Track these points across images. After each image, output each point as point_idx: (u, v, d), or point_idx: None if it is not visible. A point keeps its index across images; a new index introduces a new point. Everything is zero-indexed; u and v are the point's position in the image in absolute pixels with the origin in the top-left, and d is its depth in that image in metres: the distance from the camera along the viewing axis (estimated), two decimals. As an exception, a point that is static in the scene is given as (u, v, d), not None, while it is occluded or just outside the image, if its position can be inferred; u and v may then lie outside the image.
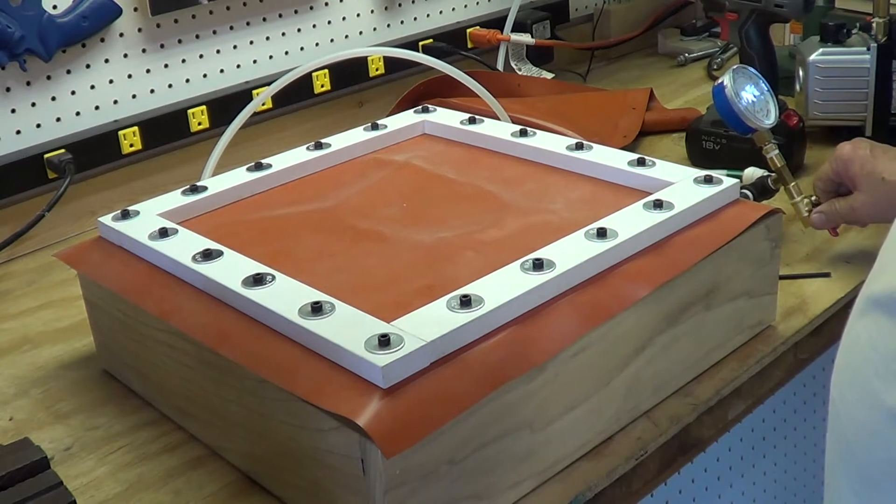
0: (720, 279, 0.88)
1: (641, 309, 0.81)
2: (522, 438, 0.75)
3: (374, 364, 0.67)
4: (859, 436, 0.49)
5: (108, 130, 1.28)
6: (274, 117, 1.42)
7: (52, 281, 1.16)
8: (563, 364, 0.76)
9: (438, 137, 1.13)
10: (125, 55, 1.30)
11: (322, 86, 1.46)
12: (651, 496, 0.93)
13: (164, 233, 0.89)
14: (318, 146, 1.08)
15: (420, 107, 1.18)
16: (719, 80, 1.06)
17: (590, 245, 0.81)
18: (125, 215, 0.94)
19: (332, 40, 1.51)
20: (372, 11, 1.54)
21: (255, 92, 1.38)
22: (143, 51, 1.32)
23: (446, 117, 1.14)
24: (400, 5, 1.57)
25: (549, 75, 1.66)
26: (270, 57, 1.44)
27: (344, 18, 1.51)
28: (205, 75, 1.38)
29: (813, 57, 1.31)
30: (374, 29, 1.55)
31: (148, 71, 1.33)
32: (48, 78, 1.25)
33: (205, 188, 1.00)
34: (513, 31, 1.63)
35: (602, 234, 0.82)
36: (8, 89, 1.22)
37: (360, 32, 1.54)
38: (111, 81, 1.30)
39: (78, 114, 1.28)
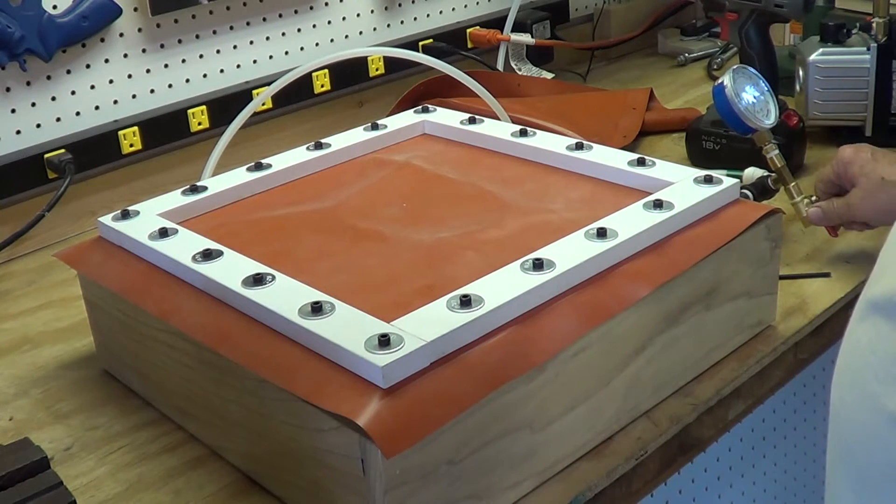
0: (720, 279, 0.88)
1: (641, 309, 0.81)
2: (522, 438, 0.75)
3: (374, 364, 0.67)
4: (859, 439, 0.49)
5: (108, 130, 1.28)
6: (274, 117, 1.42)
7: (52, 281, 1.16)
8: (563, 364, 0.76)
9: (438, 137, 1.13)
10: (125, 55, 1.30)
11: (322, 86, 1.46)
12: (651, 496, 0.93)
13: (164, 233, 0.89)
14: (318, 146, 1.08)
15: (420, 107, 1.18)
16: (719, 80, 1.06)
17: (590, 245, 0.81)
18: (125, 215, 0.94)
19: (332, 40, 1.51)
20: (372, 11, 1.54)
21: (255, 92, 1.38)
22: (143, 51, 1.32)
23: (446, 117, 1.14)
24: (400, 5, 1.57)
25: (549, 75, 1.66)
26: (270, 57, 1.44)
27: (344, 18, 1.51)
28: (205, 75, 1.38)
29: (813, 57, 1.31)
30: (374, 29, 1.55)
31: (148, 71, 1.33)
32: (48, 78, 1.25)
33: (205, 188, 1.00)
34: (513, 31, 1.63)
35: (602, 234, 0.82)
36: (8, 89, 1.22)
37: (360, 32, 1.54)
38: (111, 81, 1.30)
39: (78, 114, 1.28)
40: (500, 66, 1.63)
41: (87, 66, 1.28)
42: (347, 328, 0.71)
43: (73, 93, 1.27)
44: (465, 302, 0.73)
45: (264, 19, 1.42)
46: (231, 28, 1.39)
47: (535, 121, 1.28)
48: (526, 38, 1.64)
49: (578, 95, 1.56)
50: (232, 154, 1.18)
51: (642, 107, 1.48)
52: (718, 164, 1.20)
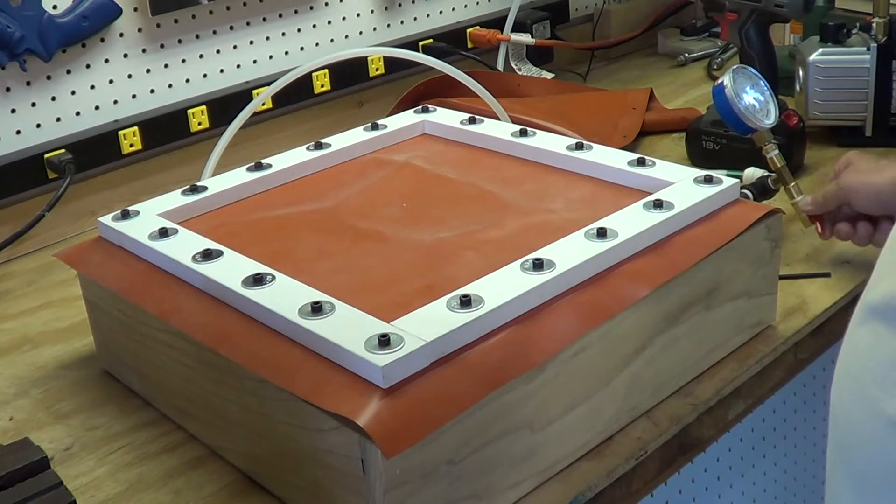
0: (720, 279, 0.88)
1: (641, 309, 0.81)
2: (522, 438, 0.75)
3: (374, 364, 0.67)
4: (859, 443, 0.49)
5: (108, 130, 1.28)
6: (274, 117, 1.42)
7: (52, 281, 1.16)
8: (563, 364, 0.76)
9: (438, 137, 1.13)
10: (125, 55, 1.30)
11: (322, 86, 1.46)
12: (651, 496, 0.93)
13: (164, 233, 0.89)
14: (318, 146, 1.08)
15: (420, 107, 1.18)
16: (719, 80, 1.06)
17: (590, 245, 0.81)
18: (125, 215, 0.94)
19: (332, 40, 1.51)
20: (372, 11, 1.54)
21: (255, 92, 1.38)
22: (143, 51, 1.32)
23: (446, 117, 1.14)
24: (400, 5, 1.57)
25: (549, 75, 1.66)
26: (270, 57, 1.44)
27: (344, 18, 1.51)
28: (205, 75, 1.38)
29: (813, 57, 1.31)
30: (374, 29, 1.55)
31: (148, 71, 1.33)
32: (48, 78, 1.25)
33: (205, 188, 1.00)
34: (513, 31, 1.63)
35: (602, 234, 0.82)
36: (8, 89, 1.22)
37: (360, 32, 1.54)
38: (111, 81, 1.30)
39: (78, 114, 1.28)
40: (500, 66, 1.63)
41: (87, 66, 1.28)
42: (347, 328, 0.71)
43: (73, 93, 1.27)
44: (465, 302, 0.73)
45: (264, 19, 1.42)
46: (231, 28, 1.39)
47: (535, 121, 1.28)
48: (526, 38, 1.64)
49: (578, 95, 1.56)
50: (232, 154, 1.18)
51: (642, 107, 1.48)
52: (718, 164, 1.20)
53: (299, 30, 1.46)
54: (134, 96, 1.32)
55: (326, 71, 1.44)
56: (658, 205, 0.86)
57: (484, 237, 0.88)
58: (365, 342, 0.69)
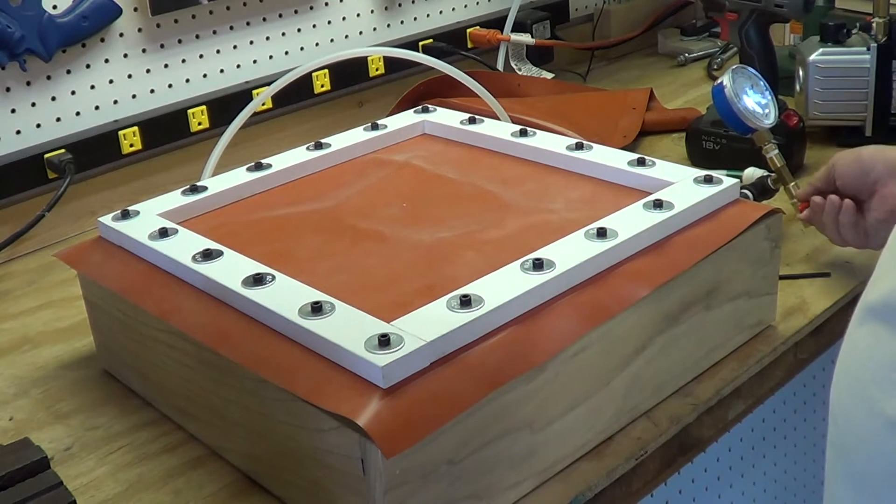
0: (720, 279, 0.88)
1: (641, 309, 0.81)
2: (522, 438, 0.75)
3: (374, 364, 0.67)
4: (858, 444, 0.49)
5: (108, 130, 1.28)
6: (274, 117, 1.42)
7: (52, 281, 1.16)
8: (563, 364, 0.76)
9: (438, 137, 1.13)
10: (125, 55, 1.30)
11: (322, 86, 1.46)
12: (651, 496, 0.93)
13: (164, 233, 0.89)
14: (318, 146, 1.08)
15: (420, 107, 1.18)
16: (719, 80, 1.06)
17: (590, 245, 0.81)
18: (125, 215, 0.94)
19: (332, 40, 1.51)
20: (372, 11, 1.54)
21: (255, 92, 1.38)
22: (143, 51, 1.32)
23: (446, 117, 1.14)
24: (400, 5, 1.57)
25: (549, 75, 1.66)
26: (270, 57, 1.44)
27: (344, 18, 1.51)
28: (205, 75, 1.38)
29: (813, 57, 1.31)
30: (374, 29, 1.55)
31: (148, 71, 1.33)
32: (48, 78, 1.25)
33: (205, 188, 1.00)
34: (513, 31, 1.63)
35: (602, 234, 0.82)
36: (8, 89, 1.22)
37: (360, 32, 1.54)
38: (111, 81, 1.30)
39: (78, 114, 1.28)
40: (500, 66, 1.63)
41: (87, 66, 1.28)
42: (347, 328, 0.71)
43: (73, 93, 1.27)
44: (465, 302, 0.73)
45: (264, 19, 1.42)
46: (231, 28, 1.39)
47: (535, 121, 1.28)
48: (526, 38, 1.64)
49: (578, 95, 1.56)
50: (232, 154, 1.18)
51: (642, 107, 1.48)
52: (718, 164, 1.20)
53: (299, 30, 1.46)
54: (134, 96, 1.32)
55: (326, 71, 1.44)
56: (658, 205, 0.86)
57: (484, 237, 0.88)
58: (365, 342, 0.69)
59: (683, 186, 0.90)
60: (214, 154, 1.15)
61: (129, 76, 1.31)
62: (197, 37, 1.36)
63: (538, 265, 0.78)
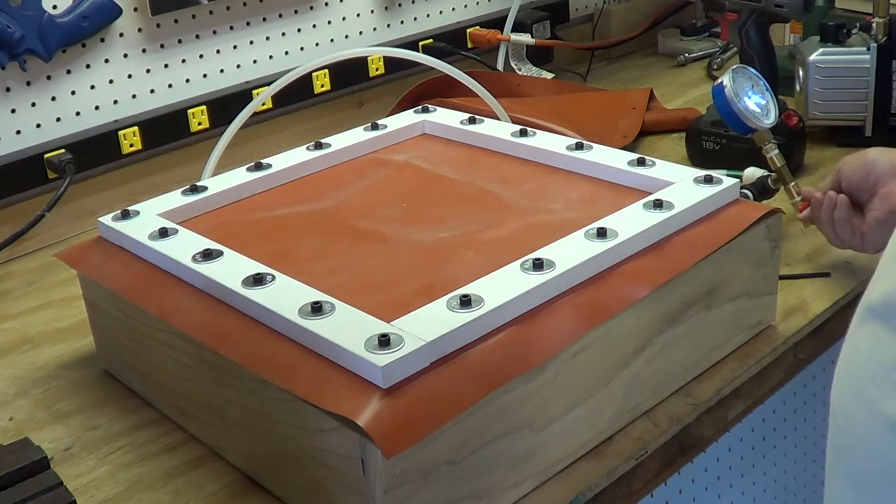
0: (720, 279, 0.88)
1: (641, 309, 0.81)
2: (522, 438, 0.75)
3: (374, 364, 0.67)
4: (858, 444, 0.49)
5: (108, 130, 1.28)
6: (274, 117, 1.42)
7: (52, 281, 1.16)
8: (563, 364, 0.76)
9: (438, 137, 1.13)
10: (125, 55, 1.30)
11: (322, 86, 1.46)
12: (651, 496, 0.93)
13: (164, 233, 0.89)
14: (318, 146, 1.08)
15: (420, 107, 1.18)
16: (719, 80, 1.06)
17: (590, 245, 0.81)
18: (125, 215, 0.94)
19: (332, 40, 1.51)
20: (372, 11, 1.54)
21: (255, 92, 1.38)
22: (143, 51, 1.32)
23: (446, 117, 1.14)
24: (400, 5, 1.57)
25: (549, 75, 1.66)
26: (270, 57, 1.44)
27: (344, 18, 1.51)
28: (205, 75, 1.38)
29: (813, 57, 1.31)
30: (374, 29, 1.55)
31: (148, 71, 1.33)
32: (48, 78, 1.25)
33: (205, 188, 1.00)
34: (513, 31, 1.63)
35: (602, 234, 0.82)
36: (8, 89, 1.22)
37: (360, 32, 1.54)
38: (111, 81, 1.30)
39: (78, 114, 1.28)
40: (500, 66, 1.63)
41: (87, 66, 1.28)
42: (347, 328, 0.71)
43: (73, 93, 1.27)
44: (465, 302, 0.73)
45: (264, 19, 1.42)
46: (231, 28, 1.39)
47: (535, 121, 1.28)
48: (526, 38, 1.64)
49: (578, 95, 1.56)
50: (232, 154, 1.18)
51: (642, 107, 1.48)
52: (718, 164, 1.20)
53: (299, 30, 1.46)
54: (134, 96, 1.32)
55: (326, 71, 1.44)
56: (658, 205, 0.86)
57: (484, 237, 0.88)
58: (365, 342, 0.69)
59: (683, 186, 0.90)
60: (214, 154, 1.15)
61: (129, 76, 1.31)
62: (197, 37, 1.36)
63: (538, 265, 0.78)
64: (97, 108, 1.29)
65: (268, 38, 1.43)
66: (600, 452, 0.81)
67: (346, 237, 0.91)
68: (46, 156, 1.23)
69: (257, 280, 0.79)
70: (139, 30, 1.31)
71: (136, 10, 1.30)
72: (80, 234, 1.26)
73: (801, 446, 1.40)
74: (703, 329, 0.88)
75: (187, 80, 1.37)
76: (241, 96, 1.37)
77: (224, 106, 1.35)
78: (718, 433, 0.92)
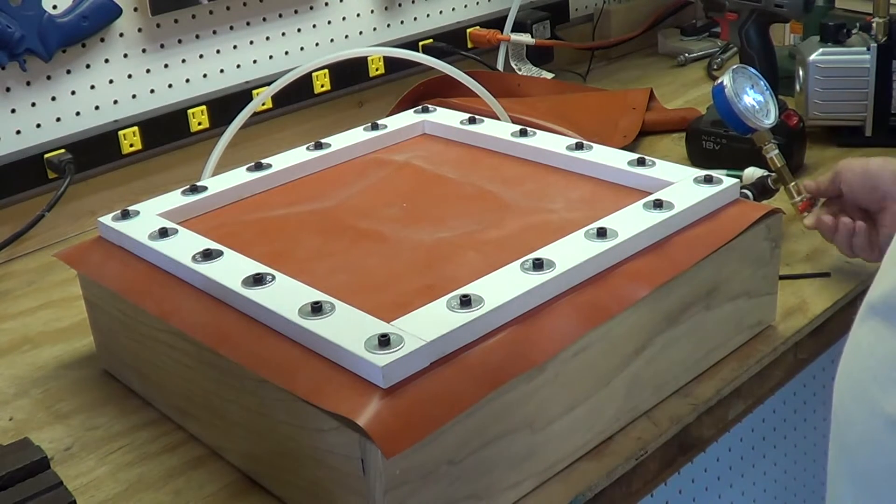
0: (720, 279, 0.88)
1: (641, 309, 0.81)
2: (522, 438, 0.75)
3: (374, 364, 0.67)
4: (858, 442, 0.49)
5: (108, 130, 1.28)
6: (274, 117, 1.42)
7: (52, 281, 1.16)
8: (563, 364, 0.76)
9: (438, 137, 1.13)
10: (125, 55, 1.30)
11: (322, 86, 1.46)
12: (651, 496, 0.93)
13: (164, 233, 0.89)
14: (318, 146, 1.08)
15: (420, 107, 1.18)
16: (719, 80, 1.06)
17: (590, 245, 0.81)
18: (125, 215, 0.94)
19: (332, 40, 1.51)
20: (372, 11, 1.54)
21: (255, 92, 1.38)
22: (143, 51, 1.32)
23: (446, 117, 1.14)
24: (400, 5, 1.57)
25: (549, 75, 1.66)
26: (270, 57, 1.44)
27: (344, 18, 1.51)
28: (205, 75, 1.38)
29: (813, 57, 1.31)
30: (374, 29, 1.55)
31: (148, 71, 1.33)
32: (48, 78, 1.25)
33: (205, 188, 1.00)
34: (513, 31, 1.63)
35: (602, 233, 0.82)
36: (8, 89, 1.22)
37: (360, 32, 1.54)
38: (111, 81, 1.30)
39: (78, 114, 1.28)
40: (500, 66, 1.63)
41: (87, 66, 1.28)
42: (347, 328, 0.71)
43: (73, 93, 1.27)
44: (465, 302, 0.73)
45: (264, 19, 1.42)
46: (231, 28, 1.39)
47: (535, 121, 1.28)
48: (526, 38, 1.64)
49: (578, 95, 1.56)
50: (232, 154, 1.18)
51: (642, 107, 1.48)
52: (718, 164, 1.20)
53: (299, 30, 1.46)
54: (134, 96, 1.32)
55: (326, 71, 1.44)
56: (658, 205, 0.86)
57: (484, 237, 0.88)
58: (365, 342, 0.69)
59: (683, 186, 0.90)
60: (214, 154, 1.15)
61: (129, 76, 1.31)
62: (197, 37, 1.36)
63: (538, 265, 0.78)
64: (97, 108, 1.29)
65: (268, 38, 1.43)
66: (600, 452, 0.81)
67: (346, 237, 0.91)
68: (46, 156, 1.23)
69: (257, 280, 0.79)
70: (139, 30, 1.31)
71: (136, 10, 1.30)
72: (80, 234, 1.26)
73: (801, 446, 1.40)
74: (703, 329, 0.88)
75: (187, 80, 1.37)
76: (241, 96, 1.37)
77: (224, 106, 1.35)
78: (718, 433, 0.92)
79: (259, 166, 1.04)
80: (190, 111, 1.34)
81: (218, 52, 1.39)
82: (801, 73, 1.33)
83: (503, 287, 0.75)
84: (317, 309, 0.73)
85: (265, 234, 0.93)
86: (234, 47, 1.40)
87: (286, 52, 1.46)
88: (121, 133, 1.28)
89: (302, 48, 1.47)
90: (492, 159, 1.06)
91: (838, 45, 1.31)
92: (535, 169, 1.02)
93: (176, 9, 1.32)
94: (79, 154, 1.24)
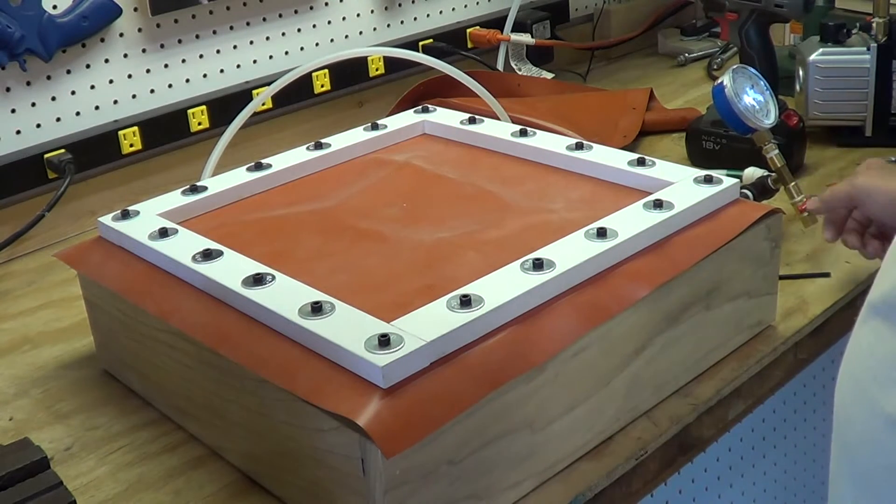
0: (720, 279, 0.88)
1: (641, 309, 0.81)
2: (522, 438, 0.75)
3: (374, 364, 0.67)
4: (859, 441, 0.49)
5: (108, 130, 1.28)
6: (274, 117, 1.42)
7: (52, 281, 1.16)
8: (563, 364, 0.76)
9: (438, 137, 1.13)
10: (125, 55, 1.30)
11: (322, 86, 1.46)
12: (651, 496, 0.93)
13: (164, 233, 0.89)
14: (318, 146, 1.08)
15: (420, 107, 1.18)
16: (719, 80, 1.06)
17: (590, 245, 0.81)
18: (125, 215, 0.94)
19: (332, 40, 1.51)
20: (372, 11, 1.54)
21: (255, 92, 1.38)
22: (143, 51, 1.32)
23: (446, 117, 1.14)
24: (400, 5, 1.57)
25: (549, 75, 1.66)
26: (270, 57, 1.44)
27: (344, 18, 1.51)
28: (205, 75, 1.38)
29: (813, 57, 1.31)
30: (374, 29, 1.55)
31: (148, 71, 1.33)
32: (48, 78, 1.25)
33: (205, 188, 1.00)
34: (513, 31, 1.63)
35: (602, 233, 0.82)
36: (8, 89, 1.22)
37: (360, 32, 1.54)
38: (111, 81, 1.30)
39: (78, 114, 1.28)
40: (500, 66, 1.63)
41: (87, 66, 1.28)
42: (347, 328, 0.71)
43: (73, 93, 1.27)
44: (465, 302, 0.73)
45: (264, 19, 1.42)
46: (231, 28, 1.39)
47: (535, 121, 1.28)
48: (526, 38, 1.64)
49: (578, 95, 1.56)
50: (232, 154, 1.18)
51: (642, 107, 1.48)
52: (718, 164, 1.20)
53: (299, 30, 1.46)
54: (134, 96, 1.32)
55: (326, 71, 1.44)
56: (658, 205, 0.86)
57: (484, 237, 0.88)
58: (365, 342, 0.69)
59: (683, 186, 0.90)
60: (214, 154, 1.15)
61: (129, 76, 1.31)
62: (197, 37, 1.36)
63: (538, 265, 0.78)
64: (97, 108, 1.29)
65: (268, 38, 1.43)
66: (600, 452, 0.81)
67: (346, 237, 0.91)
68: (46, 156, 1.23)
69: (257, 280, 0.79)
70: (139, 30, 1.31)
71: (136, 10, 1.30)
72: (80, 234, 1.26)
73: (801, 446, 1.40)
74: (703, 329, 0.88)
75: (187, 80, 1.37)
76: (241, 96, 1.37)
77: (224, 106, 1.35)
78: (718, 433, 0.92)
79: (259, 166, 1.04)
80: (190, 111, 1.34)
81: (218, 52, 1.39)
82: (801, 73, 1.33)
83: (503, 287, 0.75)
84: (317, 309, 0.73)
85: (265, 234, 0.93)
86: (234, 47, 1.40)
87: (286, 52, 1.46)
88: (121, 133, 1.28)
89: (302, 48, 1.47)
90: (492, 159, 1.06)
91: (838, 45, 1.31)
92: (535, 169, 1.02)
93: (176, 9, 1.32)
94: (79, 154, 1.24)
